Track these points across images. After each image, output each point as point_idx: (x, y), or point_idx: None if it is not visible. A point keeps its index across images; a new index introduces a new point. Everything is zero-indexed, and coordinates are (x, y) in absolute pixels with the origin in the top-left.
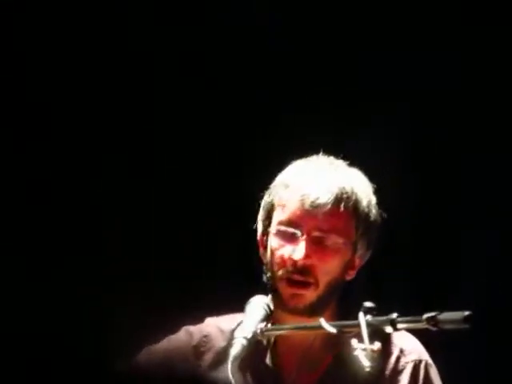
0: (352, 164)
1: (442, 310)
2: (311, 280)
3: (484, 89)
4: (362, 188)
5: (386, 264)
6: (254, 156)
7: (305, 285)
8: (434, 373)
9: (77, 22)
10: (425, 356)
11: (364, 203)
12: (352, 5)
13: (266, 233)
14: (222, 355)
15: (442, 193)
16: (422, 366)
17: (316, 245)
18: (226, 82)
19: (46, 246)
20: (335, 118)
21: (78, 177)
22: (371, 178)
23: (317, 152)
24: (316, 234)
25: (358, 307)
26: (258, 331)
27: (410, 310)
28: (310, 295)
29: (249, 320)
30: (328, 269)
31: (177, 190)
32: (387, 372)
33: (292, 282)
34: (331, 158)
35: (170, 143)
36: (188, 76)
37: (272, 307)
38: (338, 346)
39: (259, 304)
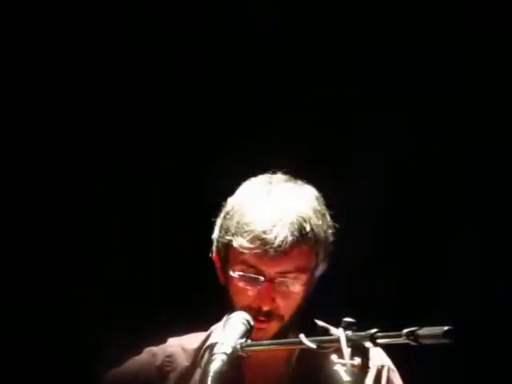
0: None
1: (422, 324)
2: (276, 319)
3: (483, 89)
4: (319, 215)
5: (367, 278)
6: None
7: (269, 321)
8: (397, 378)
9: (76, 22)
10: (387, 361)
11: (322, 233)
12: (351, 4)
13: (225, 266)
14: (185, 375)
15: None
16: (385, 370)
17: (280, 287)
18: (226, 82)
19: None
20: (334, 117)
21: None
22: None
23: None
24: (280, 279)
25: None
26: (238, 347)
27: (390, 324)
28: (274, 327)
29: (228, 335)
30: (292, 305)
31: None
32: None
33: (257, 320)
34: (284, 177)
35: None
36: (187, 76)
37: (252, 323)
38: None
39: (239, 319)
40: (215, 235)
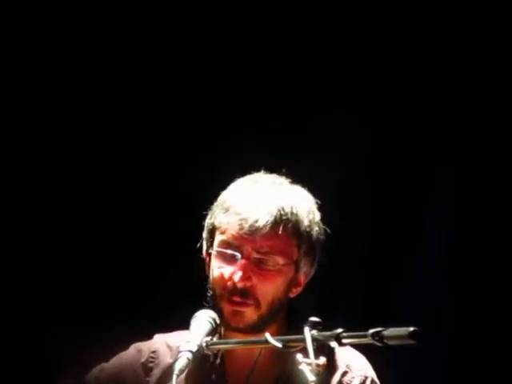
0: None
1: (388, 325)
2: (251, 301)
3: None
4: (303, 207)
5: (334, 278)
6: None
7: (245, 304)
8: None
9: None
10: (371, 373)
11: (305, 222)
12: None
13: (208, 253)
14: (168, 371)
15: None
16: (368, 382)
17: (256, 266)
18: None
19: None
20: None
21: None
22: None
23: (264, 167)
24: (255, 255)
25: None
26: (204, 345)
27: (356, 324)
28: (250, 314)
29: (194, 334)
30: (269, 289)
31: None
32: None
33: (232, 302)
34: (274, 175)
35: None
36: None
37: (218, 321)
38: (284, 362)
39: (205, 318)
40: (204, 229)
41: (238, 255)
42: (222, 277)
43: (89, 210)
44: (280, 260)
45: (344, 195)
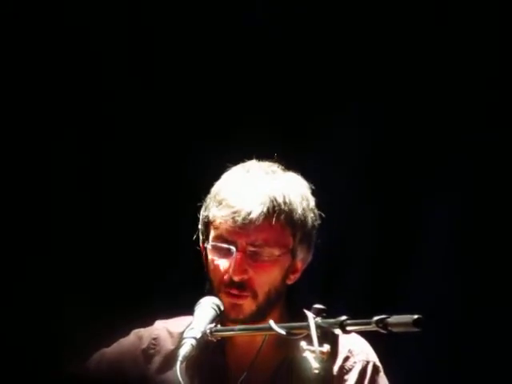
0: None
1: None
2: (248, 293)
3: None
4: (296, 195)
5: (339, 265)
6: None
7: (242, 296)
8: (381, 374)
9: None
10: (373, 357)
11: (299, 211)
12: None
13: (204, 245)
14: (170, 358)
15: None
16: (370, 366)
17: (251, 259)
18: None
19: None
20: None
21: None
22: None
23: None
24: (250, 248)
25: (308, 308)
26: (208, 332)
27: (360, 311)
28: (248, 305)
29: (198, 320)
30: (265, 280)
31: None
32: (335, 371)
33: (230, 294)
34: (267, 163)
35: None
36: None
37: (222, 308)
38: (289, 349)
39: (209, 304)
40: (200, 221)
41: (233, 249)
42: (218, 270)
43: (93, 195)
44: (275, 251)
45: (345, 193)
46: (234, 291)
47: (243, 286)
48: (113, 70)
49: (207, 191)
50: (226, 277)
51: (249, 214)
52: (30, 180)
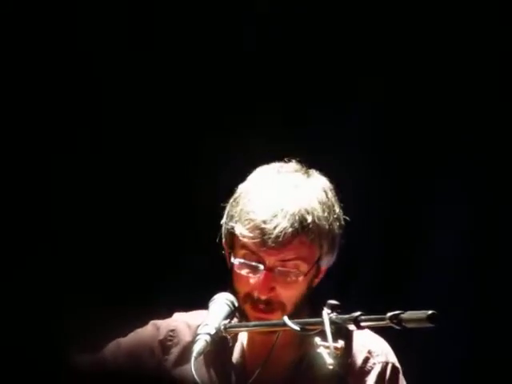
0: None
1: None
2: (276, 306)
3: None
4: (323, 209)
5: (354, 262)
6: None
7: (270, 312)
8: (400, 376)
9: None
10: (392, 359)
11: (327, 226)
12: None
13: (230, 253)
14: (188, 350)
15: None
16: (389, 368)
17: (280, 276)
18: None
19: None
20: None
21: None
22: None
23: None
24: (278, 268)
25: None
26: (222, 328)
27: (375, 308)
28: (276, 316)
29: (213, 316)
30: (293, 294)
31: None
32: (354, 372)
33: (257, 309)
34: (291, 167)
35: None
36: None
37: (236, 304)
38: (304, 345)
39: (223, 300)
40: (223, 221)
41: (261, 266)
42: (245, 285)
43: (95, 192)
44: (303, 266)
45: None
46: (262, 306)
47: (271, 302)
48: (117, 65)
49: (211, 191)
50: (253, 293)
51: (278, 236)
52: (31, 177)
